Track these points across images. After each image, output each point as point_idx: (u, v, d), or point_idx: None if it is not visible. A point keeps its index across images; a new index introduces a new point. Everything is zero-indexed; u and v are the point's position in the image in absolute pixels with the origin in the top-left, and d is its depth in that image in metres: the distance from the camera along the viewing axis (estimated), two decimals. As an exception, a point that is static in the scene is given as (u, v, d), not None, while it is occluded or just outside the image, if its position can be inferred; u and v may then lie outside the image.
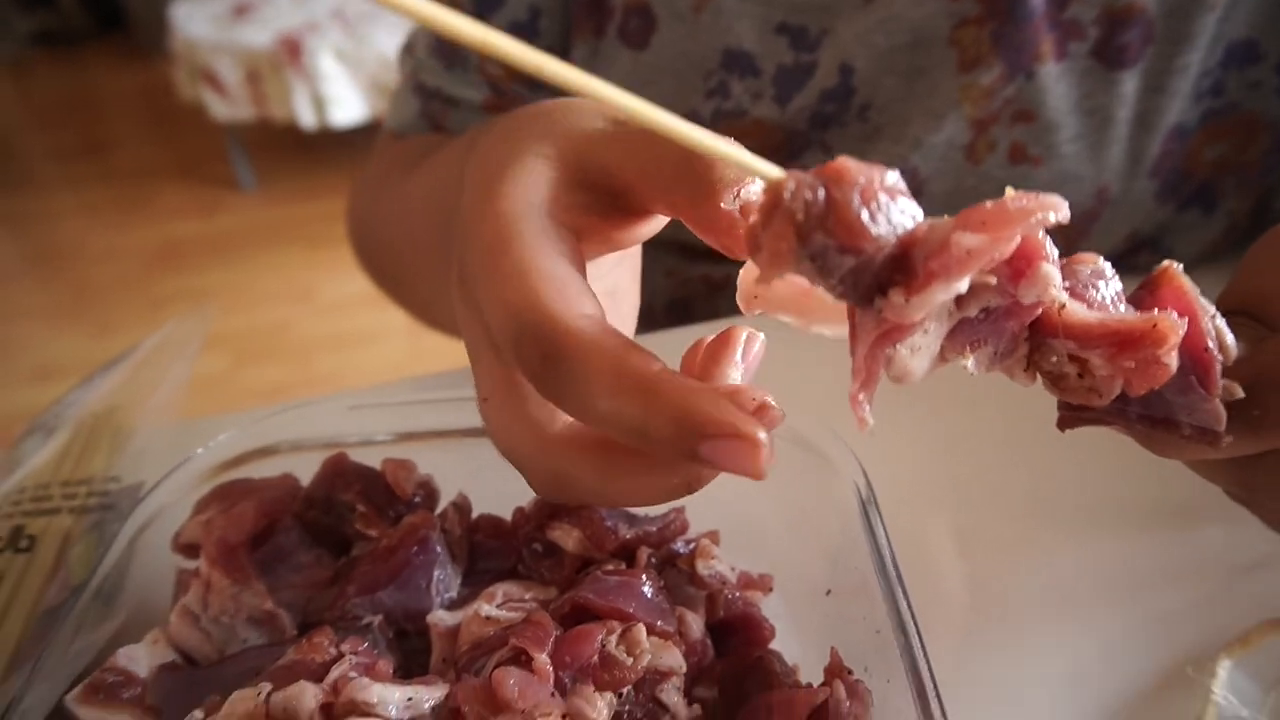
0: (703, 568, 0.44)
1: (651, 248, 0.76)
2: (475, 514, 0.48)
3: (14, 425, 0.60)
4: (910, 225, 0.28)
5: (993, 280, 0.29)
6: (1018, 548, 0.49)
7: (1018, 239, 0.28)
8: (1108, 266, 0.33)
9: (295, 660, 0.38)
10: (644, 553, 0.44)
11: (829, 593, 0.44)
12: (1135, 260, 0.73)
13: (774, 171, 0.28)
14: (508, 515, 0.48)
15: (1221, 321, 0.32)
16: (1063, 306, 0.31)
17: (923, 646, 0.36)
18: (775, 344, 0.60)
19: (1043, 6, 0.60)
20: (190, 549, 0.44)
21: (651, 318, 0.76)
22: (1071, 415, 0.36)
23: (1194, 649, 0.44)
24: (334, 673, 0.36)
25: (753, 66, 0.64)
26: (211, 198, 3.25)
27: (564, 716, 0.34)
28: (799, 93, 0.64)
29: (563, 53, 0.71)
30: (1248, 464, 0.33)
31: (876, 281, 0.28)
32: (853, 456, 0.44)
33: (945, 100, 0.63)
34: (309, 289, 2.72)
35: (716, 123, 0.66)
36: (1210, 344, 0.32)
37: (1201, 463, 0.35)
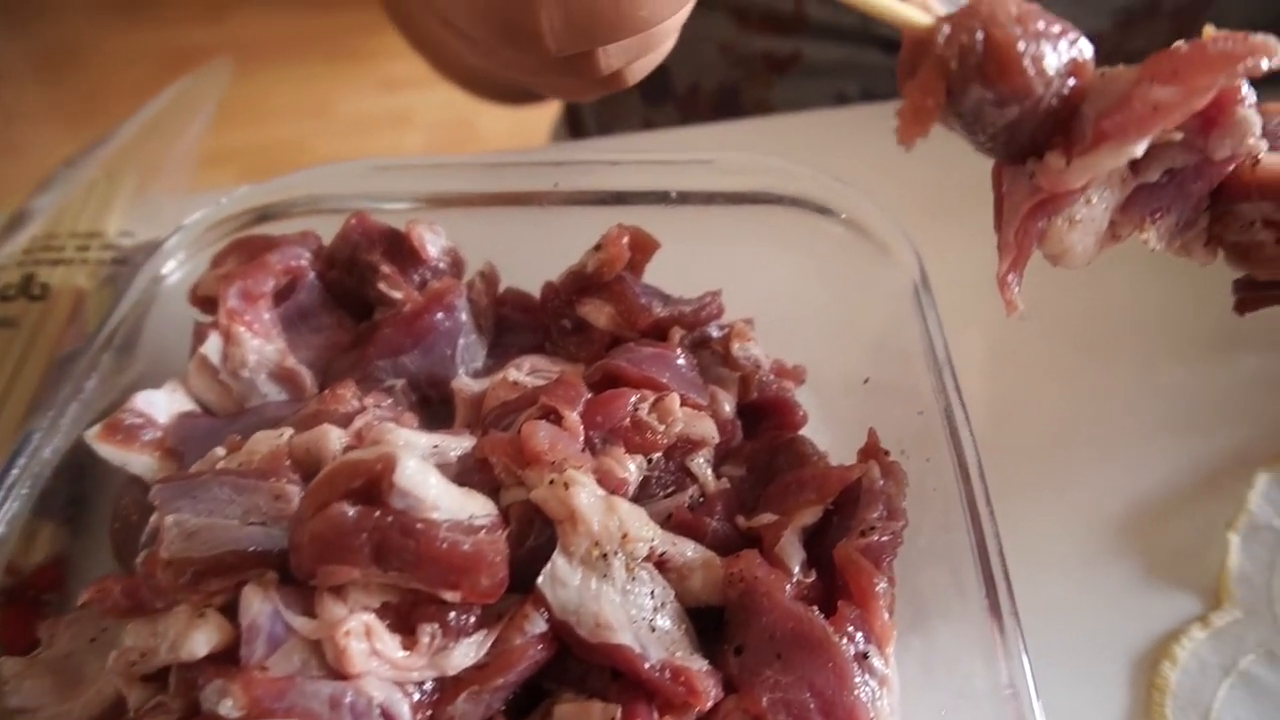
0: (737, 349, 0.42)
1: (704, 14, 0.70)
2: (503, 287, 0.46)
3: None
4: (1079, 61, 0.24)
5: (1178, 136, 0.25)
6: (1063, 363, 0.47)
7: (1215, 91, 0.23)
8: None
9: (319, 410, 0.37)
10: (677, 332, 0.42)
11: (866, 381, 0.42)
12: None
13: (921, 17, 0.24)
14: (536, 291, 0.46)
15: None
16: (1256, 161, 0.26)
17: (969, 423, 0.34)
18: (841, 127, 0.56)
19: None
20: (208, 302, 0.42)
21: (695, 103, 0.71)
22: (1254, 296, 0.32)
23: (1231, 459, 0.43)
24: (358, 421, 0.36)
25: None
26: (220, 1, 3.09)
27: (593, 472, 0.33)
28: None
29: None
30: None
31: (1033, 139, 0.24)
32: (909, 243, 0.41)
33: None
34: (325, 103, 2.62)
35: None
36: None
37: None
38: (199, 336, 0.42)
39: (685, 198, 0.44)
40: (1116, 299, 0.50)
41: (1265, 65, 0.23)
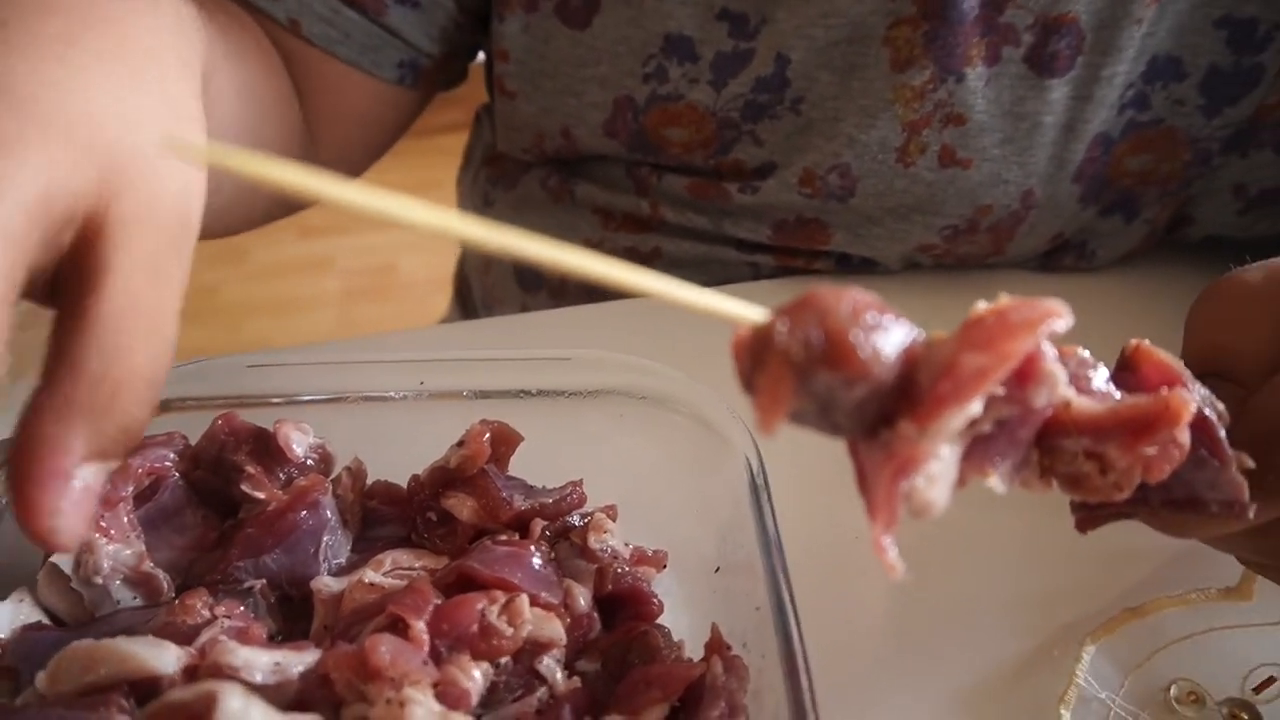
0: (594, 541, 0.44)
1: (568, 212, 0.76)
2: (370, 480, 0.47)
3: None
4: (908, 343, 0.27)
5: (1001, 390, 0.27)
6: (902, 545, 0.50)
7: (1025, 352, 0.27)
8: (1089, 354, 0.31)
9: (166, 622, 0.37)
10: (538, 524, 0.44)
11: (718, 570, 0.44)
12: (1060, 262, 0.75)
13: (756, 314, 0.27)
14: (404, 483, 0.48)
15: (1204, 388, 0.32)
16: (1068, 404, 0.29)
17: (798, 624, 0.36)
18: (678, 320, 0.60)
19: (976, 9, 0.61)
20: (66, 506, 0.42)
21: (565, 291, 0.76)
22: (1090, 515, 0.35)
23: (1061, 634, 0.46)
24: (204, 636, 0.36)
25: (691, 52, 0.64)
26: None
27: (436, 685, 0.34)
28: (734, 79, 0.64)
29: (480, 17, 0.70)
30: (1266, 530, 0.32)
31: (881, 412, 0.27)
32: (749, 435, 0.44)
33: (878, 99, 0.64)
34: (241, 250, 2.64)
35: (651, 106, 0.66)
36: (1208, 411, 0.31)
37: (1218, 538, 0.35)
38: (53, 543, 0.41)
39: (544, 393, 0.47)
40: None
41: (1061, 327, 0.26)
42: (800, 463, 0.46)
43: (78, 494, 0.31)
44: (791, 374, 0.25)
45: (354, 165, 0.75)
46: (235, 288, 2.49)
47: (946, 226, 0.69)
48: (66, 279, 0.32)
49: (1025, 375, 0.28)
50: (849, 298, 0.26)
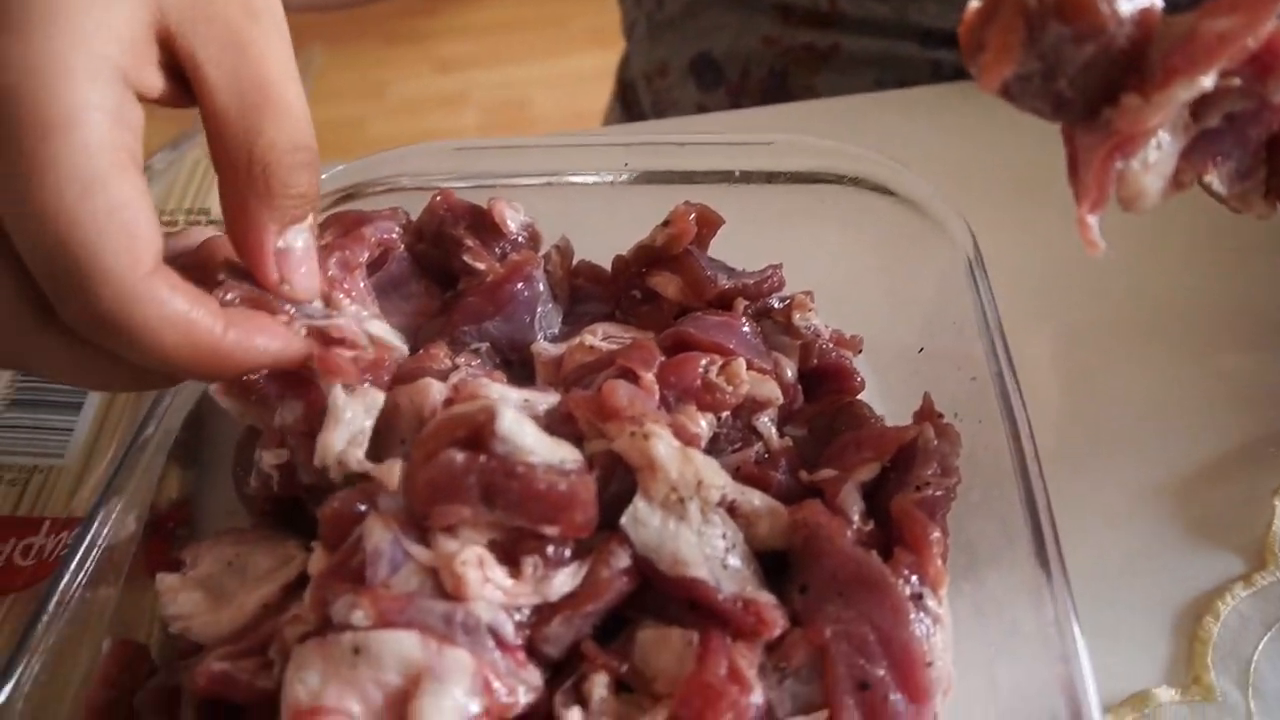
0: (798, 319, 0.45)
1: (746, 9, 0.73)
2: (576, 260, 0.49)
3: None
4: (1146, 5, 0.25)
5: (1237, 81, 0.26)
6: (1120, 342, 0.49)
7: (1276, 19, 0.25)
8: None
9: (415, 366, 0.41)
10: (740, 303, 0.45)
11: (921, 350, 0.44)
12: None
13: None
14: (607, 264, 0.49)
15: None
16: None
17: (1019, 388, 0.37)
18: (884, 112, 0.58)
19: None
20: (310, 271, 0.46)
21: (744, 89, 0.74)
22: None
23: (1277, 434, 0.45)
24: (455, 376, 0.39)
25: None
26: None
27: (669, 426, 0.36)
28: None
29: None
30: None
31: (1106, 82, 0.25)
32: (962, 220, 0.43)
33: None
34: (381, 85, 2.68)
35: None
36: None
37: None
38: (302, 303, 0.45)
39: (747, 177, 0.47)
40: (1175, 284, 0.51)
41: None
42: (1008, 253, 0.45)
43: (299, 254, 0.35)
44: (1023, 23, 0.25)
45: None
46: (379, 122, 2.54)
47: None
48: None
49: (1268, 65, 0.25)
50: None
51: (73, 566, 0.35)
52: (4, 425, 0.45)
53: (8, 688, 0.31)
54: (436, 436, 0.30)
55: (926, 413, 0.39)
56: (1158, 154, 0.27)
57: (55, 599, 0.34)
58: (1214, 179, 0.28)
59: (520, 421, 0.31)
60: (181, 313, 0.30)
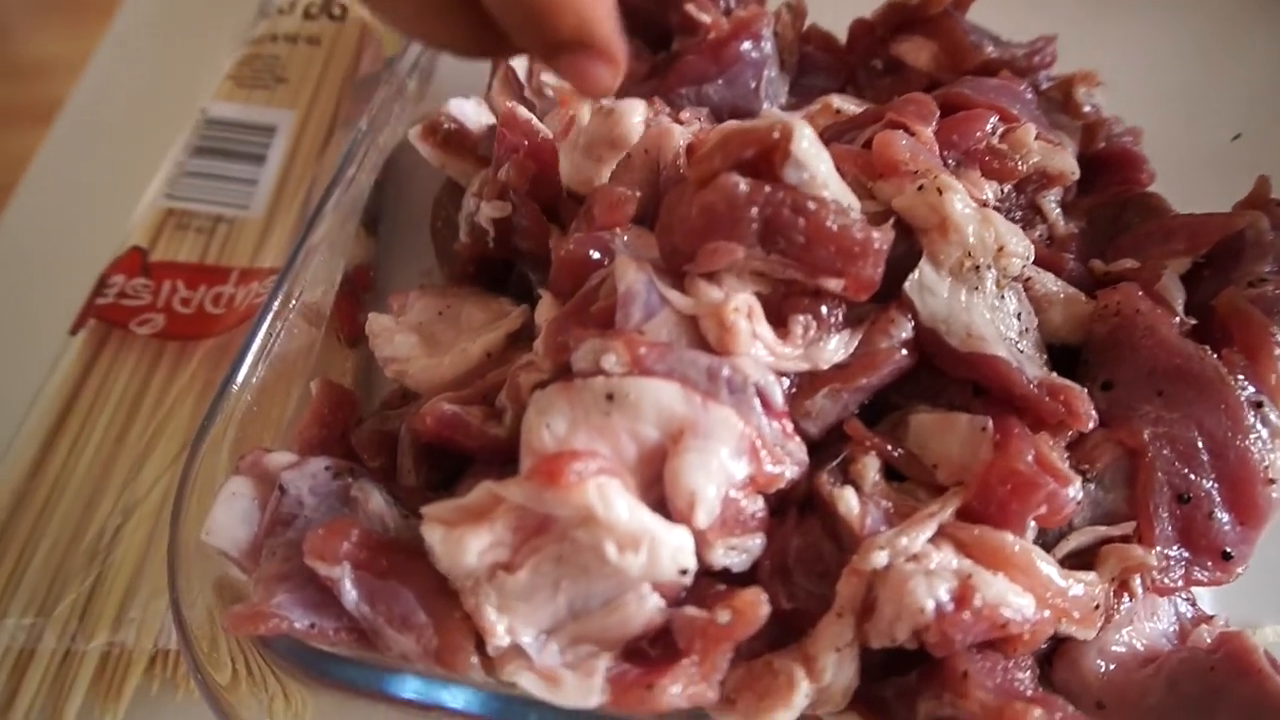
0: (1083, 94, 0.37)
1: None
2: (805, 23, 0.43)
3: None
4: None
5: None
6: None
7: None
8: None
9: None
10: (1007, 77, 0.38)
11: (1237, 137, 0.37)
12: None
13: None
14: (840, 32, 0.43)
15: None
16: None
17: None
18: None
19: None
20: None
21: None
22: None
23: None
24: (689, 128, 0.34)
25: None
26: None
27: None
28: None
29: None
30: None
31: None
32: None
33: None
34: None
35: None
36: None
37: None
38: (499, 60, 0.40)
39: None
40: None
41: None
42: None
43: None
44: None
45: None
46: None
47: None
48: None
49: None
50: None
51: (273, 311, 0.32)
52: (190, 173, 0.42)
53: (218, 418, 0.29)
54: (719, 154, 0.25)
55: (1260, 199, 0.32)
56: None
57: (259, 340, 0.31)
58: None
59: (818, 146, 0.26)
60: None
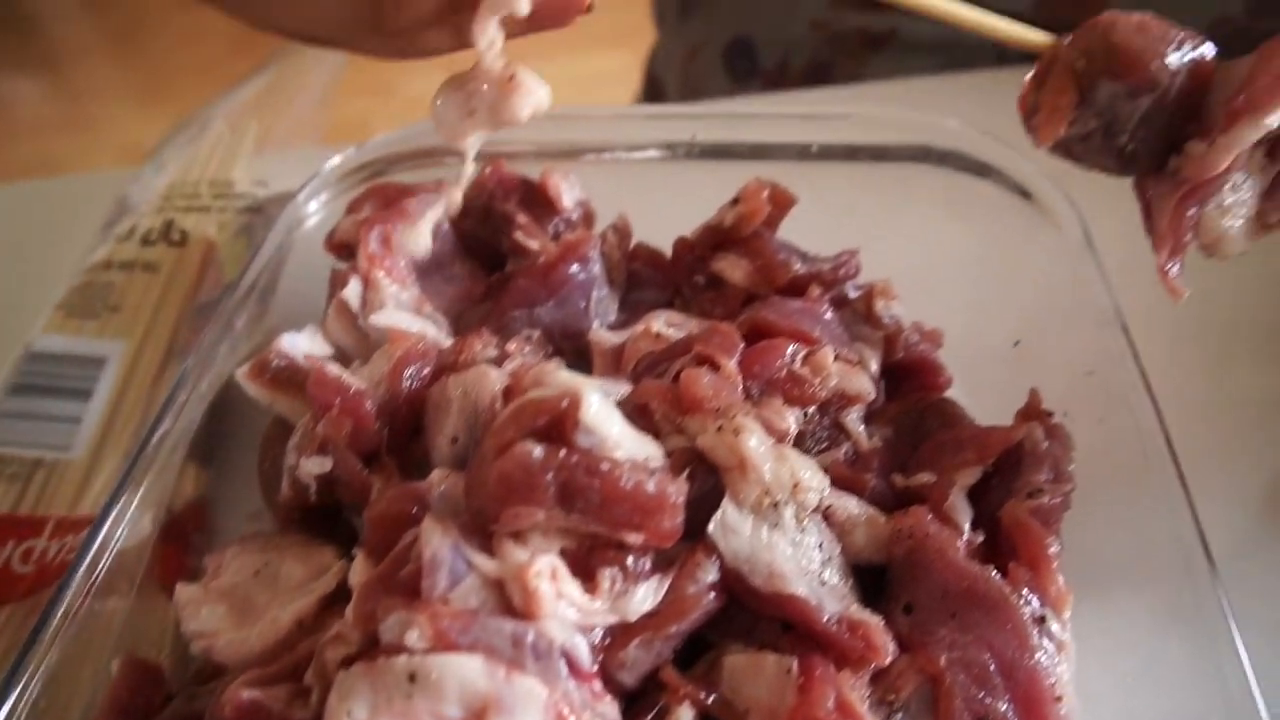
0: (881, 307, 0.41)
1: None
2: (633, 242, 0.45)
3: (103, 203, 0.56)
4: (1196, 55, 0.26)
5: None
6: (1244, 331, 0.44)
7: None
8: None
9: (459, 356, 0.37)
10: (815, 291, 0.41)
11: (1017, 344, 0.40)
12: None
13: (1042, 37, 0.28)
14: (665, 246, 0.45)
15: None
16: None
17: (1148, 383, 0.33)
18: (964, 92, 0.53)
19: None
20: (344, 248, 0.42)
21: (783, 79, 0.70)
22: None
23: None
24: (509, 364, 0.35)
25: None
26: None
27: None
28: None
29: None
30: None
31: (1168, 133, 0.27)
32: (1068, 201, 0.39)
33: None
34: (387, 84, 2.64)
35: None
36: None
37: None
38: (337, 282, 0.41)
39: (826, 152, 0.43)
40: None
41: None
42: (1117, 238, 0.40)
43: None
44: (1074, 84, 0.26)
45: None
46: (381, 121, 2.49)
47: None
48: None
49: None
50: (1136, 16, 0.26)
51: (80, 573, 0.31)
52: (6, 414, 0.41)
53: (1, 715, 0.27)
54: (514, 425, 0.26)
55: (1034, 411, 0.35)
56: (1235, 197, 0.27)
57: (59, 611, 0.30)
58: None
59: (607, 410, 0.27)
60: None
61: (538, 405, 0.27)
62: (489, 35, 0.28)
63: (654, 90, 0.89)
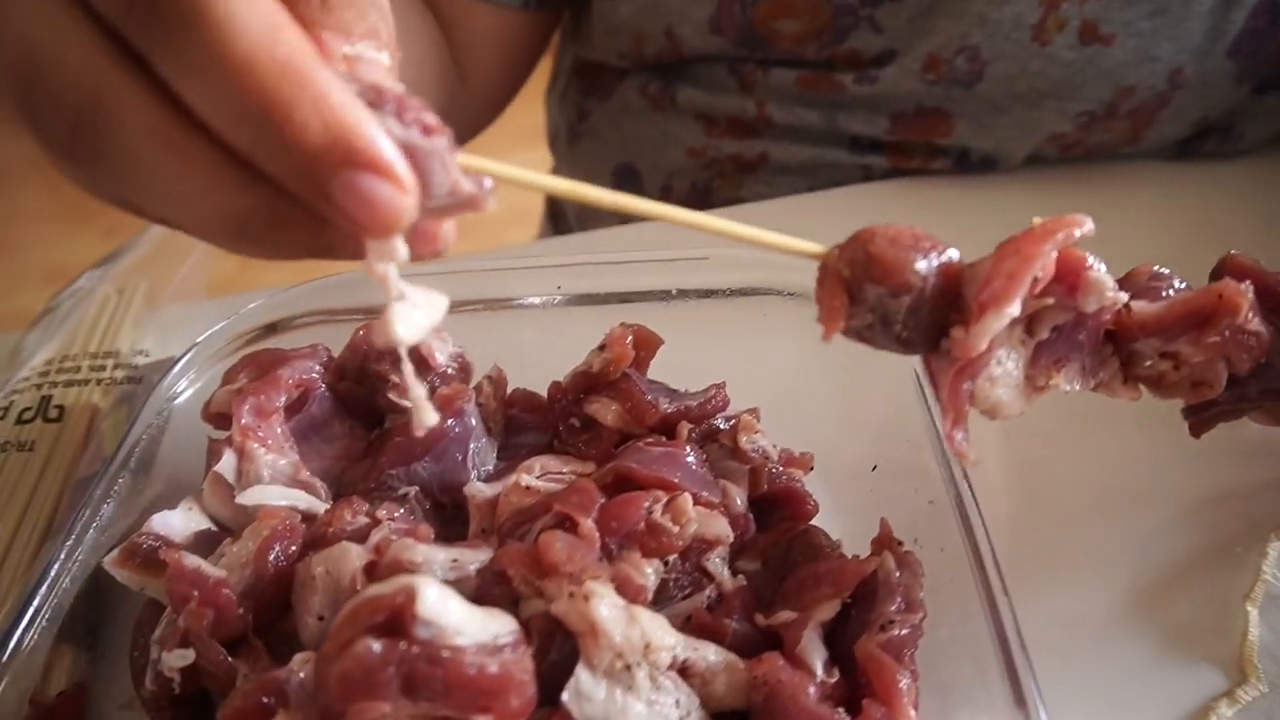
0: (745, 441, 0.42)
1: (669, 119, 0.73)
2: (510, 388, 0.47)
3: (26, 325, 0.58)
4: (944, 260, 0.30)
5: (1050, 300, 0.31)
6: (1065, 438, 0.48)
7: (1053, 255, 0.30)
8: (1165, 270, 0.35)
9: (329, 528, 0.38)
10: (684, 427, 0.43)
11: (875, 468, 0.42)
12: (1200, 148, 0.69)
13: (813, 247, 0.32)
14: (542, 391, 0.47)
15: None
16: (1127, 307, 0.33)
17: (980, 511, 0.35)
18: (824, 210, 0.57)
19: None
20: (221, 419, 0.43)
21: (669, 199, 0.73)
22: (1199, 419, 0.38)
23: (1244, 531, 0.43)
24: (375, 536, 0.36)
25: None
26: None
27: (611, 581, 0.33)
28: None
29: None
30: None
31: (935, 321, 0.31)
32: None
33: None
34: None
35: None
36: None
37: None
38: (214, 454, 0.42)
39: (685, 294, 0.46)
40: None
41: (1077, 234, 0.30)
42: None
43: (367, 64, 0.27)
44: (843, 289, 0.30)
45: (495, 100, 0.74)
46: (270, 271, 2.50)
47: (1082, 113, 0.64)
48: None
49: (1073, 284, 0.31)
50: (892, 228, 0.31)
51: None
52: None
53: None
54: (349, 625, 0.27)
55: (885, 541, 0.37)
56: (1001, 369, 0.32)
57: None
58: (1060, 380, 0.33)
59: (444, 599, 0.28)
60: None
61: (374, 603, 0.27)
62: (378, 273, 0.29)
63: (553, 209, 0.92)
